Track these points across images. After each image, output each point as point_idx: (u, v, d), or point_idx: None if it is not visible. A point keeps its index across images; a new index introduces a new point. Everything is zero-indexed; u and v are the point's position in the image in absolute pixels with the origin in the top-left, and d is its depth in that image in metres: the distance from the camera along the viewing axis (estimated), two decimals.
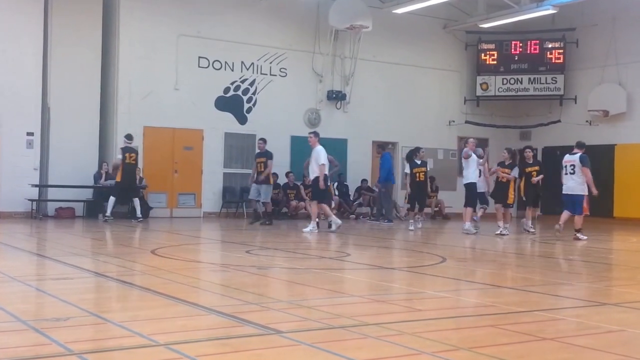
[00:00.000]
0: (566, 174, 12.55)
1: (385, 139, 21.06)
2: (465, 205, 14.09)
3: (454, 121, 22.05)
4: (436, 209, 20.38)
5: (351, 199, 19.91)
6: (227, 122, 18.83)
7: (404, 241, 13.06)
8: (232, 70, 18.92)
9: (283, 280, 7.36)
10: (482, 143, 22.44)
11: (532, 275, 8.32)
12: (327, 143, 20.13)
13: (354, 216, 19.27)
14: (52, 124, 16.98)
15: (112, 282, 6.72)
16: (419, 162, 14.89)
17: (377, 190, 18.40)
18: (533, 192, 14.77)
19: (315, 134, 14.11)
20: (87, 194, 17.19)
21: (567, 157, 12.74)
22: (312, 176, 13.95)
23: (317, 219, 13.79)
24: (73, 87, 17.06)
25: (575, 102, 21.41)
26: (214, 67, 18.68)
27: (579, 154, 12.60)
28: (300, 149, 19.65)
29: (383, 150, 18.08)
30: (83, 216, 17.05)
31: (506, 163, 13.91)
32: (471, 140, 14.40)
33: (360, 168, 20.47)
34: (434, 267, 8.42)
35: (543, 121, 21.89)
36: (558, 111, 21.72)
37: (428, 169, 14.89)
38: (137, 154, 15.99)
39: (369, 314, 5.23)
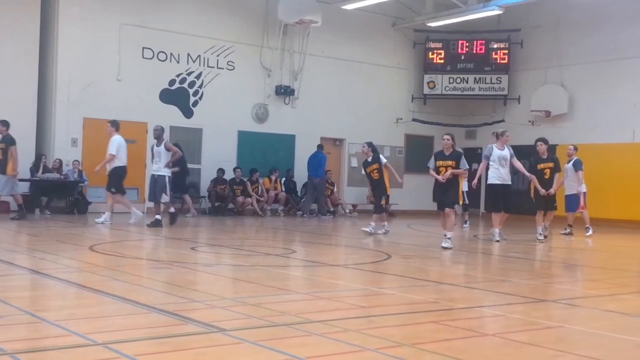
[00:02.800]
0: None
1: (333, 136, 21.12)
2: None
3: (401, 119, 22.25)
4: None
5: (299, 195, 19.87)
6: (173, 115, 18.51)
7: (350, 238, 13.10)
8: (178, 62, 18.60)
9: (228, 277, 7.28)
10: (428, 141, 22.82)
11: (475, 272, 8.47)
12: (274, 138, 20.21)
13: (301, 212, 19.25)
14: None
15: (48, 279, 6.52)
16: (369, 159, 13.68)
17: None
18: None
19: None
20: (23, 187, 16.61)
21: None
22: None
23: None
24: (9, 77, 16.42)
25: (519, 103, 21.87)
26: (158, 59, 18.31)
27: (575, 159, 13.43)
28: (247, 144, 19.52)
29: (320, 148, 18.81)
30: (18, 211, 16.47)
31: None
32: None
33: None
34: (379, 264, 8.47)
35: (487, 120, 22.29)
36: (502, 111, 22.16)
37: (381, 164, 12.73)
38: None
39: (313, 311, 5.21)
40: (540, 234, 12.06)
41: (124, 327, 4.54)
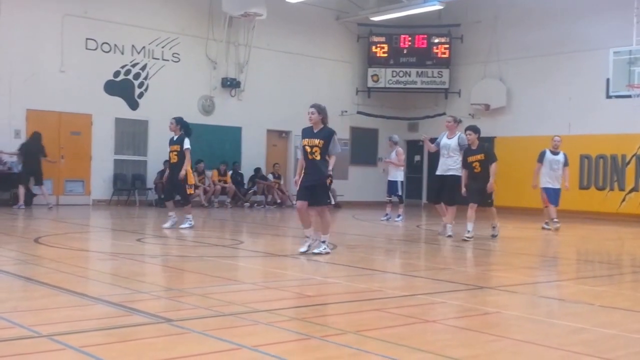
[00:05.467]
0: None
1: (279, 128, 21.17)
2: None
3: (346, 111, 22.45)
4: None
5: (245, 187, 19.89)
6: (118, 107, 18.25)
7: (297, 229, 13.21)
8: (123, 54, 18.33)
9: (175, 268, 7.29)
10: (372, 133, 23.12)
11: (417, 261, 8.69)
12: (221, 131, 20.14)
13: (248, 204, 19.28)
14: None
15: None
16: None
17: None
18: (475, 187, 10.73)
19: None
20: None
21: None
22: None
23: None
24: None
25: (459, 96, 22.35)
26: (102, 50, 18.01)
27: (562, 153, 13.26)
28: (194, 135, 19.28)
29: None
30: None
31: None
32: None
33: (254, 156, 20.46)
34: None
35: (429, 113, 22.71)
36: (443, 104, 22.60)
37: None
38: None
39: (260, 300, 5.30)
40: (469, 231, 10.50)
41: (69, 318, 4.52)
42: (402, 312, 4.94)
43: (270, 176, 20.24)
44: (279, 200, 19.80)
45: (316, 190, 8.11)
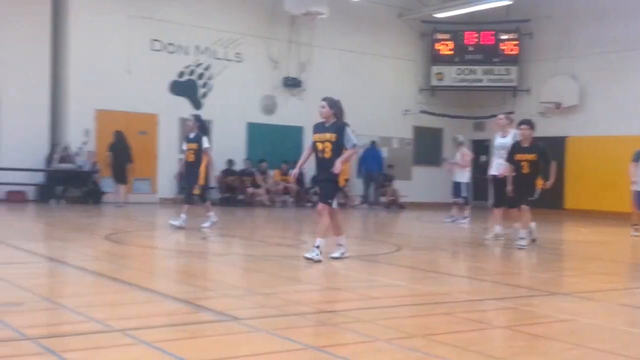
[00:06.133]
0: None
1: None
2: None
3: (409, 110, 22.25)
4: (391, 198, 20.58)
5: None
6: (182, 107, 18.60)
7: (359, 229, 13.17)
8: (187, 54, 18.67)
9: (240, 267, 7.35)
10: (436, 133, 22.83)
11: (485, 264, 8.50)
12: (282, 130, 20.26)
13: (310, 204, 19.33)
14: (2, 107, 16.50)
15: (66, 267, 6.62)
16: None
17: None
18: (519, 190, 9.53)
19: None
20: (39, 177, 16.80)
21: None
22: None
23: None
24: (23, 70, 16.58)
25: (529, 94, 21.83)
26: (167, 51, 18.40)
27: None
28: (256, 135, 19.59)
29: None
30: (35, 200, 16.66)
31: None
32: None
33: None
34: (389, 255, 8.52)
35: (496, 112, 22.20)
36: (511, 102, 22.09)
37: None
38: None
39: (325, 301, 5.27)
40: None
41: (140, 314, 4.61)
42: (471, 317, 4.82)
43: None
44: (340, 201, 19.79)
45: (323, 187, 7.46)
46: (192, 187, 10.83)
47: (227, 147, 18.87)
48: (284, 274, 6.68)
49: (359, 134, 20.98)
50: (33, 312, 4.54)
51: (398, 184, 20.98)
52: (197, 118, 11.17)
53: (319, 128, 7.51)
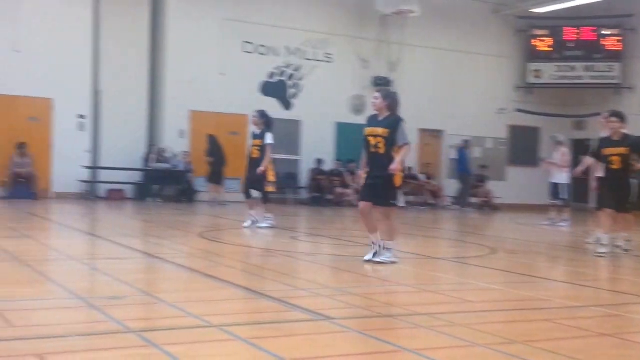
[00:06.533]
0: None
1: (432, 127, 20.86)
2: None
3: (504, 109, 21.66)
4: (484, 199, 20.11)
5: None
6: (272, 107, 18.86)
7: (451, 231, 12.93)
8: (277, 56, 18.94)
9: (330, 267, 7.35)
10: (533, 132, 22.11)
11: (587, 270, 8.13)
12: None
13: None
14: (103, 107, 17.29)
15: (162, 263, 6.82)
16: None
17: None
18: (610, 188, 8.67)
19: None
20: (137, 176, 17.50)
21: None
22: None
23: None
24: (123, 71, 17.32)
25: (632, 92, 20.78)
26: (259, 52, 18.75)
27: None
28: (345, 135, 19.61)
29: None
30: (133, 198, 17.35)
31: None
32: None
33: None
34: (483, 258, 8.30)
35: (597, 110, 21.29)
36: (614, 100, 21.07)
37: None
38: None
39: (418, 303, 5.18)
40: (603, 245, 8.54)
41: (235, 311, 4.71)
42: (574, 324, 4.60)
43: (421, 176, 20.00)
44: (430, 201, 19.53)
45: (379, 188, 6.89)
46: (257, 184, 10.70)
47: (316, 147, 19.00)
48: (374, 274, 6.63)
49: (451, 133, 20.87)
50: (134, 306, 4.70)
51: (491, 185, 20.46)
52: (263, 114, 10.94)
53: (371, 121, 7.02)
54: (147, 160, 17.31)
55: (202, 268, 6.39)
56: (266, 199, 10.90)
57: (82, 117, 16.98)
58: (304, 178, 19.08)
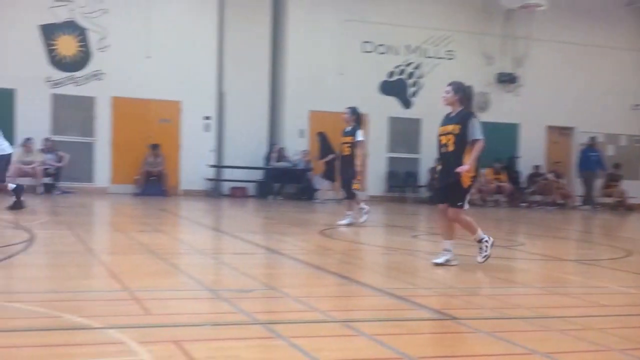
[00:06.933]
0: None
1: (560, 124, 20.03)
2: None
3: (638, 105, 20.38)
4: (618, 199, 19.01)
5: (522, 186, 19.18)
6: (392, 106, 18.81)
7: (582, 232, 12.32)
8: (397, 54, 18.85)
9: (454, 266, 7.20)
10: None
11: None
12: (496, 127, 19.62)
13: (525, 204, 18.53)
14: (226, 109, 17.92)
15: (285, 259, 6.95)
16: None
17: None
18: None
19: None
20: (259, 174, 18.01)
21: None
22: None
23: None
24: (245, 74, 17.88)
25: None
26: (378, 52, 18.74)
27: None
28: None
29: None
30: (254, 196, 17.86)
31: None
32: None
33: (532, 154, 19.60)
34: (617, 261, 7.84)
35: None
36: None
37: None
38: None
39: (548, 306, 4.96)
40: None
41: (359, 307, 4.72)
42: None
43: (550, 175, 19.21)
44: (559, 201, 18.73)
45: (448, 189, 6.49)
46: (350, 182, 10.46)
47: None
48: (500, 275, 6.42)
49: (581, 130, 19.89)
50: (260, 299, 4.82)
51: (626, 184, 19.31)
52: (353, 111, 10.69)
53: (444, 120, 6.64)
54: (268, 159, 17.77)
55: (324, 264, 6.45)
56: (351, 196, 10.65)
57: (207, 118, 17.69)
58: (424, 177, 18.86)
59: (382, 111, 18.70)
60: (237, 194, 17.66)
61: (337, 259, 6.99)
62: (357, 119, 10.58)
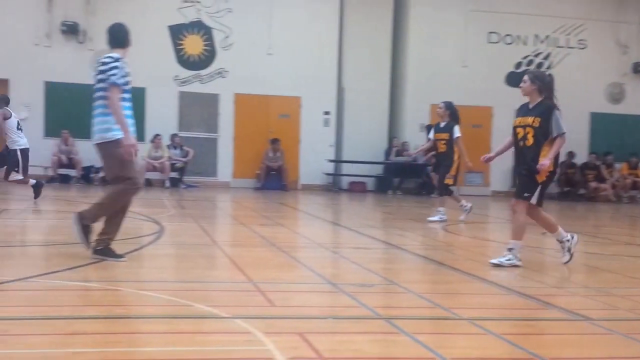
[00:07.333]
0: None
1: None
2: None
3: None
4: None
5: None
6: (518, 99, 18.10)
7: None
8: (525, 45, 18.18)
9: (586, 265, 6.81)
10: None
11: None
12: (632, 120, 18.45)
13: None
14: (346, 104, 17.97)
15: (406, 254, 6.85)
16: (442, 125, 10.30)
17: None
18: None
19: None
20: (378, 169, 17.94)
21: None
22: None
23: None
24: (365, 69, 17.85)
25: None
26: (504, 42, 18.13)
27: None
28: (600, 126, 18.22)
29: None
30: (373, 190, 17.81)
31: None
32: None
33: None
34: None
35: None
36: None
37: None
38: None
39: None
40: None
41: (485, 305, 4.57)
42: None
43: None
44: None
45: (520, 180, 6.09)
46: (444, 179, 10.08)
47: (568, 138, 17.84)
48: (635, 275, 6.01)
49: None
50: (382, 294, 4.77)
51: None
52: (448, 105, 10.21)
53: (520, 110, 6.16)
54: (388, 153, 17.67)
55: (446, 260, 6.29)
56: (446, 192, 10.25)
57: (327, 113, 17.83)
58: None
59: (508, 104, 17.92)
60: (356, 188, 17.70)
61: (459, 255, 6.81)
62: (451, 113, 10.16)
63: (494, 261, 5.94)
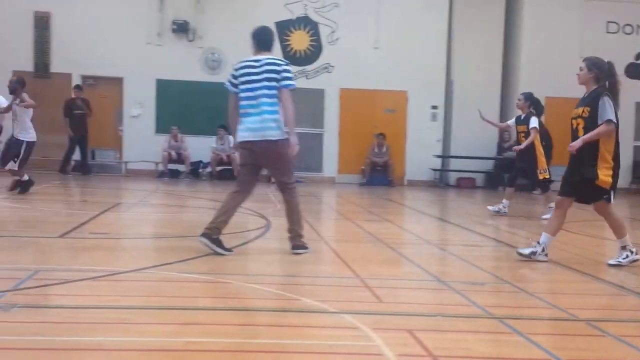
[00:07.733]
0: None
1: None
2: None
3: None
4: None
5: None
6: (639, 91, 17.14)
7: None
8: None
9: None
10: None
11: None
12: None
13: None
14: (455, 98, 17.60)
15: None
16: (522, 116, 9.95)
17: None
18: None
19: None
20: (488, 165, 17.46)
21: None
22: None
23: None
24: (475, 60, 17.38)
25: None
26: (624, 32, 17.17)
27: None
28: None
29: None
30: (483, 187, 17.35)
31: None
32: None
33: None
34: None
35: None
36: None
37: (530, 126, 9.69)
38: None
39: None
40: None
41: (603, 306, 4.41)
42: None
43: None
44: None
45: (582, 188, 5.65)
46: (534, 174, 9.78)
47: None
48: None
49: None
50: (494, 293, 4.63)
51: None
52: (528, 96, 9.94)
53: (579, 102, 5.77)
54: (499, 148, 17.15)
55: (561, 259, 6.02)
56: (544, 187, 9.94)
57: (434, 107, 17.53)
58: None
59: (627, 96, 16.76)
60: (464, 184, 17.30)
61: (575, 254, 6.48)
62: (531, 105, 9.87)
63: (612, 262, 5.69)
